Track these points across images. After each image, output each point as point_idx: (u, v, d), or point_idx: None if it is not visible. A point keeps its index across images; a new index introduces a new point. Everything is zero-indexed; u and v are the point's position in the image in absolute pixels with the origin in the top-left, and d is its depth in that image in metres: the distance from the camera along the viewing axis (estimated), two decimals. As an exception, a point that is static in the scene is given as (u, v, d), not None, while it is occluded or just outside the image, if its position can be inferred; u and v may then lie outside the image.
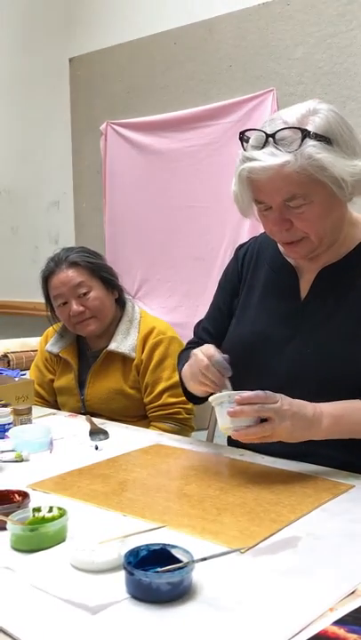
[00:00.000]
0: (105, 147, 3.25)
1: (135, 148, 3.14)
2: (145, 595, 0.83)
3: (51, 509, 1.05)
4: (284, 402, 1.20)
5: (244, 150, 1.24)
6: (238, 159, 1.25)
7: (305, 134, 1.18)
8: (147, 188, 3.13)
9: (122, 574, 0.87)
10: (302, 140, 1.18)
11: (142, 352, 1.94)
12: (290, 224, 1.27)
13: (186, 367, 1.42)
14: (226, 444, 1.52)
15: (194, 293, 3.00)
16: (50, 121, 3.57)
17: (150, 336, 1.96)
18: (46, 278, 1.98)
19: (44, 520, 1.02)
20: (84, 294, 1.93)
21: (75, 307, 1.92)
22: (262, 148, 1.20)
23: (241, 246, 1.57)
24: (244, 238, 2.58)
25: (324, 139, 1.19)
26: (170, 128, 3.00)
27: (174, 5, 3.03)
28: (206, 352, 1.30)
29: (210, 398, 1.26)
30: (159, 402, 1.92)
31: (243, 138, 1.25)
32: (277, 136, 1.20)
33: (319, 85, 2.61)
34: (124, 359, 1.94)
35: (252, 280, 1.48)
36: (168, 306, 3.08)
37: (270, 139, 1.20)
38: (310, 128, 1.20)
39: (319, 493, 1.16)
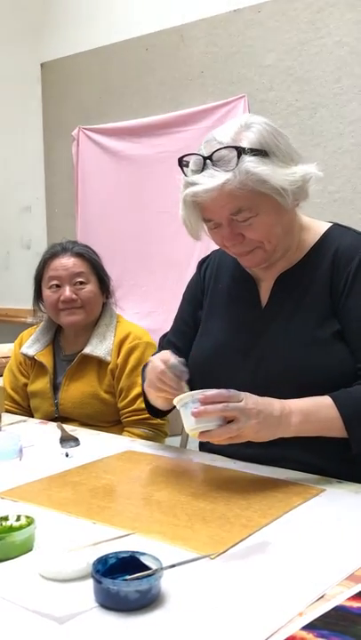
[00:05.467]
0: (77, 152, 3.25)
1: (107, 154, 3.14)
2: (113, 603, 0.82)
3: (18, 518, 1.03)
4: (248, 400, 1.19)
5: (185, 175, 1.27)
6: (181, 185, 1.28)
7: (240, 151, 1.21)
8: (119, 194, 3.12)
9: (90, 583, 0.85)
10: (238, 158, 1.21)
11: (118, 356, 1.93)
12: (242, 237, 1.30)
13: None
14: (197, 450, 1.52)
15: (168, 299, 3.00)
16: (22, 126, 3.55)
17: (126, 341, 1.95)
18: (47, 259, 1.99)
19: (11, 529, 1.00)
20: (80, 284, 1.95)
21: (68, 293, 1.93)
22: (202, 171, 1.23)
23: (203, 260, 1.59)
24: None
25: (259, 152, 1.22)
26: (142, 134, 3.00)
27: (146, 11, 3.04)
28: (162, 357, 1.31)
29: (174, 400, 1.24)
30: (133, 407, 1.90)
31: (182, 163, 1.28)
32: (214, 157, 1.22)
33: (290, 92, 2.64)
34: (100, 363, 1.94)
35: (213, 293, 1.50)
36: (142, 311, 3.07)
37: (208, 161, 1.23)
38: (244, 144, 1.23)
39: (290, 498, 1.16)
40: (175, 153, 2.94)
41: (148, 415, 1.89)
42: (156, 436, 1.91)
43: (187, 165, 1.27)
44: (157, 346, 1.65)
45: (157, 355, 1.34)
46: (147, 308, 3.08)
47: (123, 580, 0.84)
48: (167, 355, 1.31)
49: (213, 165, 1.22)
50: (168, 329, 1.70)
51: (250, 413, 1.18)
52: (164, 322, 2.86)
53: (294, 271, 1.38)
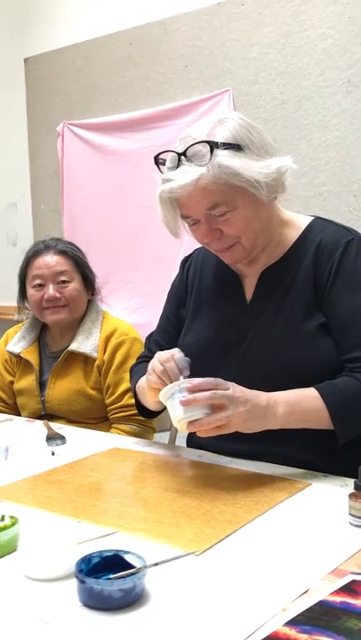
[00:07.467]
0: (62, 147, 3.23)
1: (92, 149, 3.12)
2: (97, 602, 0.82)
3: (3, 518, 1.02)
4: (236, 389, 1.19)
5: (161, 173, 1.28)
6: (158, 182, 1.28)
7: (213, 145, 1.22)
8: (105, 189, 3.11)
9: (74, 582, 0.85)
10: (212, 152, 1.22)
11: (104, 353, 1.93)
12: (220, 233, 1.30)
13: (143, 377, 1.41)
14: (185, 446, 1.51)
15: (155, 294, 2.99)
16: (6, 122, 3.52)
17: (113, 337, 1.95)
18: (30, 258, 1.98)
19: (-5, 529, 1.00)
20: (64, 282, 1.94)
21: (51, 292, 1.92)
22: (177, 167, 1.25)
23: (186, 259, 1.59)
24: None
25: (232, 146, 1.23)
26: (127, 128, 2.98)
27: (129, 5, 3.01)
28: (170, 350, 1.30)
29: (160, 394, 1.22)
30: (121, 403, 1.90)
31: (158, 161, 1.29)
32: (188, 153, 1.24)
33: (275, 85, 2.63)
34: (86, 359, 1.93)
35: (198, 290, 1.49)
36: (130, 307, 3.06)
37: (182, 157, 1.24)
38: (218, 139, 1.24)
39: (275, 493, 1.16)
40: (161, 147, 2.93)
41: (135, 411, 1.89)
42: (144, 431, 1.91)
43: (163, 163, 1.28)
44: (144, 346, 1.65)
45: (164, 351, 1.33)
46: (134, 303, 3.07)
47: (106, 579, 0.84)
48: (174, 349, 1.31)
49: (188, 161, 1.23)
50: (156, 324, 1.69)
51: (238, 401, 1.18)
52: (152, 317, 2.85)
53: (278, 266, 1.39)
